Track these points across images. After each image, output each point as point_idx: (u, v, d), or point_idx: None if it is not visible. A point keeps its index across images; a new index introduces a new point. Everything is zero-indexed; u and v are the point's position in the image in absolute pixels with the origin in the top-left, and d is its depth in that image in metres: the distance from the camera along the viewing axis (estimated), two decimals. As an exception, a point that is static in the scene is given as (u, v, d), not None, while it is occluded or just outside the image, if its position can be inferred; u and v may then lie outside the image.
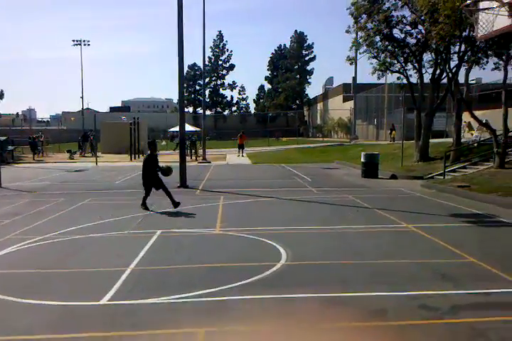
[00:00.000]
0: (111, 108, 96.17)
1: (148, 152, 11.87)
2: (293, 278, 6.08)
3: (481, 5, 8.73)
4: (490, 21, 8.49)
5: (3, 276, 6.36)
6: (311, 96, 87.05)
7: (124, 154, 32.25)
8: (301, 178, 18.42)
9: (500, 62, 18.49)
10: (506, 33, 8.89)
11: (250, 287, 5.68)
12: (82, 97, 65.33)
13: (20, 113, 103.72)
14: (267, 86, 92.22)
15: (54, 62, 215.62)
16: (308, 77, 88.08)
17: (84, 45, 65.14)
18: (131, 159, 30.52)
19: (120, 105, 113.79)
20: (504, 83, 17.10)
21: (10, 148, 30.46)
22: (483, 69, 21.12)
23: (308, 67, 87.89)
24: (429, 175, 17.71)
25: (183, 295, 5.40)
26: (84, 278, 6.26)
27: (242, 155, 32.70)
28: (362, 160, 18.92)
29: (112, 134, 36.14)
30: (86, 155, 34.90)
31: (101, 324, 4.76)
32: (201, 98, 51.89)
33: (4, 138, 29.52)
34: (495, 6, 8.35)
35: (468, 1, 9.30)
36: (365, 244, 7.94)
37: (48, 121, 77.85)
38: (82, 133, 38.04)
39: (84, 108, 70.11)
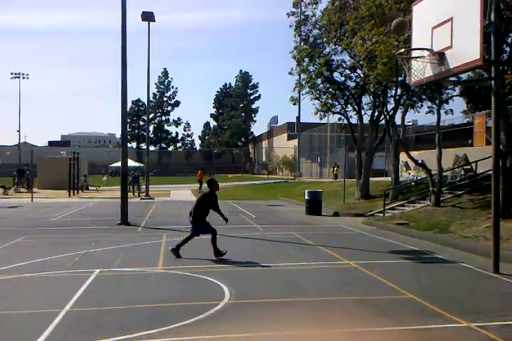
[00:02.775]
0: (50, 142, 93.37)
1: (208, 190, 10.16)
2: (236, 317, 5.96)
3: (414, 53, 9.33)
4: (422, 69, 9.07)
5: None
6: (256, 134, 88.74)
7: (62, 190, 31.15)
8: (246, 215, 18.42)
9: (434, 106, 19.65)
10: (437, 79, 9.49)
11: (191, 327, 5.51)
12: (18, 131, 63.07)
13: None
14: (213, 123, 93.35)
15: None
16: (253, 115, 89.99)
17: (23, 78, 63.66)
18: (69, 195, 29.53)
19: (60, 139, 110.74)
20: (438, 125, 18.12)
21: None
22: (418, 112, 22.38)
23: (253, 106, 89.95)
24: (370, 213, 18.20)
25: (120, 338, 5.17)
26: (15, 321, 5.88)
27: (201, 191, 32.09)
28: (306, 197, 19.23)
29: (49, 169, 35.01)
30: (21, 190, 33.42)
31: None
32: (145, 133, 51.54)
33: None
34: (426, 55, 8.95)
35: (402, 50, 9.94)
36: (308, 281, 7.96)
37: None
38: (17, 168, 36.58)
39: (21, 142, 67.73)
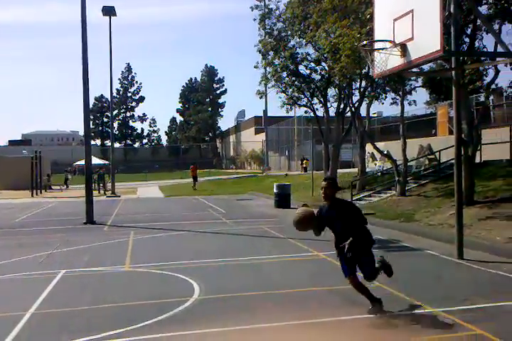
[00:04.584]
0: (10, 141, 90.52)
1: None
2: (205, 312, 5.91)
3: (376, 45, 9.39)
4: (384, 60, 9.14)
5: None
6: (224, 128, 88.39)
7: (24, 190, 30.32)
8: (214, 210, 18.33)
9: (398, 97, 19.94)
10: (400, 71, 9.60)
11: (160, 325, 5.43)
12: (-22, 130, 61.17)
13: None
14: (179, 118, 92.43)
15: None
16: (220, 109, 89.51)
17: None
18: (32, 195, 28.77)
19: (20, 138, 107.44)
20: (402, 116, 18.42)
21: None
22: (383, 103, 22.70)
23: (220, 100, 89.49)
24: (338, 204, 18.36)
25: (87, 338, 5.05)
26: (-25, 327, 5.66)
27: (195, 188, 30.53)
28: (274, 190, 19.27)
29: (10, 169, 34.03)
30: (-18, 191, 32.40)
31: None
32: (109, 130, 50.20)
33: None
34: (388, 47, 9.03)
35: (364, 42, 10.00)
36: (279, 273, 7.98)
37: None
38: None
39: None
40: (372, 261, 5.74)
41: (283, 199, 18.83)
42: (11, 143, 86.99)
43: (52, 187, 35.28)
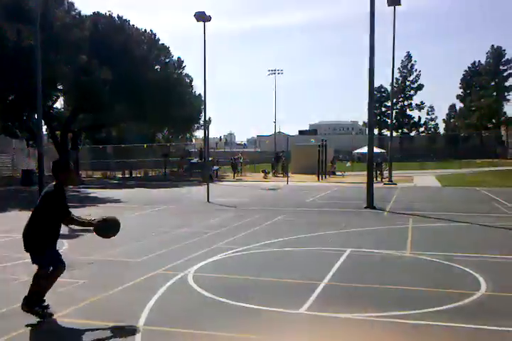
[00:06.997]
0: (300, 131, 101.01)
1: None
2: (495, 309, 5.70)
3: None
4: None
5: (218, 280, 7.18)
6: (510, 114, 79.36)
7: (311, 175, 33.53)
8: (499, 203, 16.93)
9: None
10: None
11: (445, 314, 5.50)
12: (274, 122, 69.96)
13: (222, 137, 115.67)
14: (459, 105, 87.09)
15: (252, 90, 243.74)
16: (506, 93, 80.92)
17: (278, 74, 69.61)
18: (318, 179, 31.57)
19: (308, 128, 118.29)
20: None
21: (215, 168, 34.68)
22: None
23: (507, 84, 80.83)
24: None
25: (375, 314, 5.49)
26: (281, 288, 6.73)
27: None
28: None
29: (301, 156, 38.14)
30: (278, 175, 37.19)
31: (304, 331, 5.16)
32: (387, 119, 51.03)
33: (211, 158, 33.24)
34: None
35: None
36: None
37: (245, 144, 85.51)
38: (275, 155, 40.79)
39: (277, 132, 74.51)
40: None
41: None
42: (300, 132, 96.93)
43: (336, 173, 37.97)
